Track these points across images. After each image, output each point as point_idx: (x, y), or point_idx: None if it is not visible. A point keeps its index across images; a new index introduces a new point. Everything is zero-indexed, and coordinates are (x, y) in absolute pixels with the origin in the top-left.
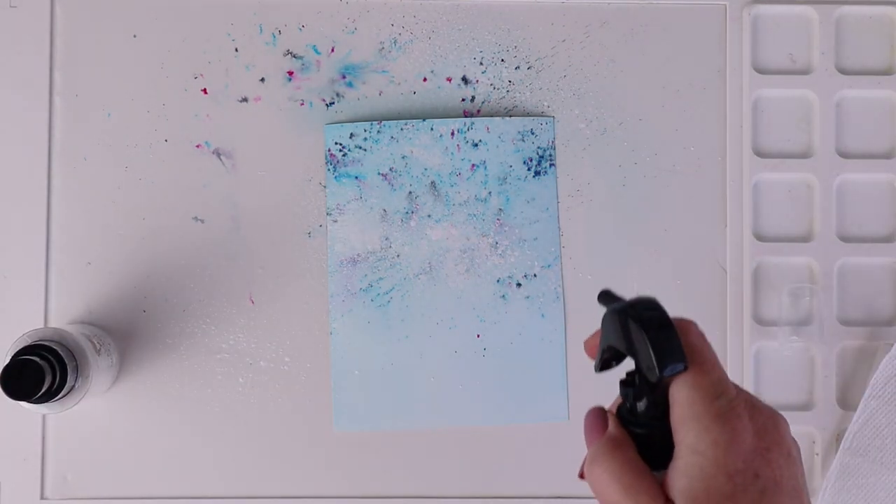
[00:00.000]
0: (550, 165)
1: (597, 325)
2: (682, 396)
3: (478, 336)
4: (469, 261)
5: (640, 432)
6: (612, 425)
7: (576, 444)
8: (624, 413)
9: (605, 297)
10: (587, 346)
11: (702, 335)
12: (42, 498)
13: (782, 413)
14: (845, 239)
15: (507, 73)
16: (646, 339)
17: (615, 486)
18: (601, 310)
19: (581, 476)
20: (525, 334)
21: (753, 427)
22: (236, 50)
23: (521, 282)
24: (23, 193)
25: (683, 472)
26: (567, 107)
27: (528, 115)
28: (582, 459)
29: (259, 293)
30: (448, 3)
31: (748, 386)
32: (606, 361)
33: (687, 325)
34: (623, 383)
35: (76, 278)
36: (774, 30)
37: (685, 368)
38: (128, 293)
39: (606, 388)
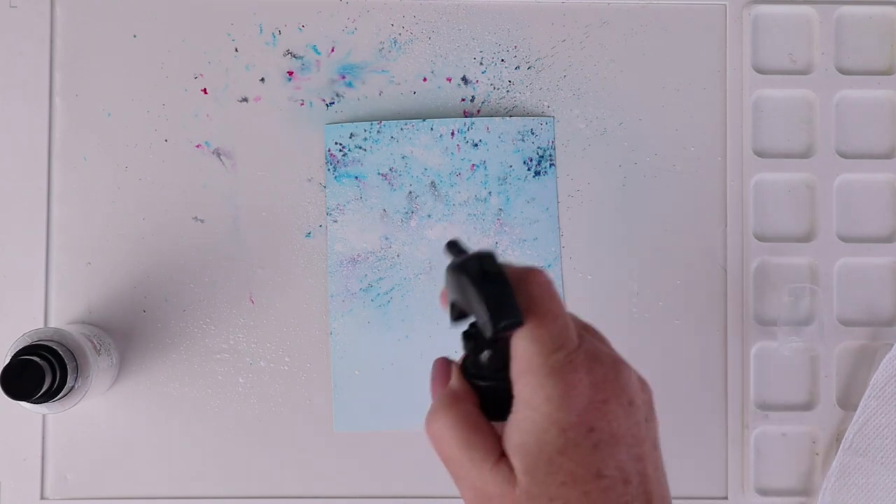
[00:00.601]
0: (550, 165)
1: (596, 324)
2: (520, 350)
3: None
4: None
5: (482, 385)
6: (454, 378)
7: None
8: (468, 365)
9: (451, 248)
10: (441, 296)
11: (546, 284)
12: (42, 498)
13: (772, 410)
14: (845, 239)
15: (507, 73)
16: (478, 294)
17: (452, 440)
18: (601, 310)
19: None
20: None
21: (591, 380)
22: (236, 50)
23: None
24: (23, 193)
25: (517, 426)
26: (567, 107)
27: (528, 115)
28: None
29: (259, 293)
30: (448, 3)
31: (748, 387)
32: (458, 315)
33: (530, 274)
34: (465, 335)
35: (76, 278)
36: (774, 30)
37: (521, 324)
38: (128, 293)
39: None
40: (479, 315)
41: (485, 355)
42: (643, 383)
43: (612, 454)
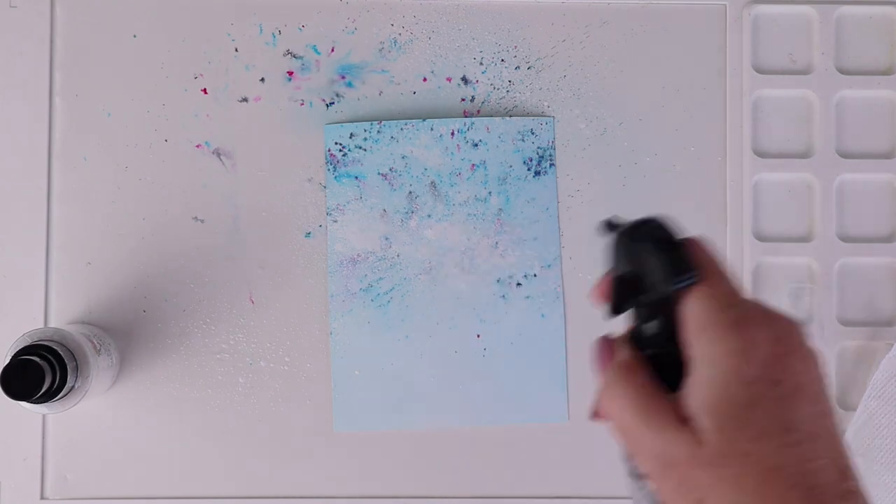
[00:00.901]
0: (550, 165)
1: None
2: (696, 310)
3: (478, 336)
4: (469, 261)
5: (650, 353)
6: (622, 350)
7: (576, 444)
8: (633, 338)
9: (609, 224)
10: (594, 292)
11: (711, 247)
12: (42, 498)
13: None
14: (845, 239)
15: (507, 73)
16: (657, 254)
17: (629, 410)
18: (600, 309)
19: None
20: (525, 334)
21: (770, 332)
22: (236, 50)
23: (521, 282)
24: (23, 193)
25: (700, 384)
26: (567, 107)
27: (528, 115)
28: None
29: (259, 293)
30: (448, 3)
31: None
32: (618, 301)
33: (694, 240)
34: (633, 306)
35: (76, 278)
36: (774, 30)
37: (696, 280)
38: (128, 293)
39: None
40: (655, 274)
41: (652, 325)
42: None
43: (798, 407)
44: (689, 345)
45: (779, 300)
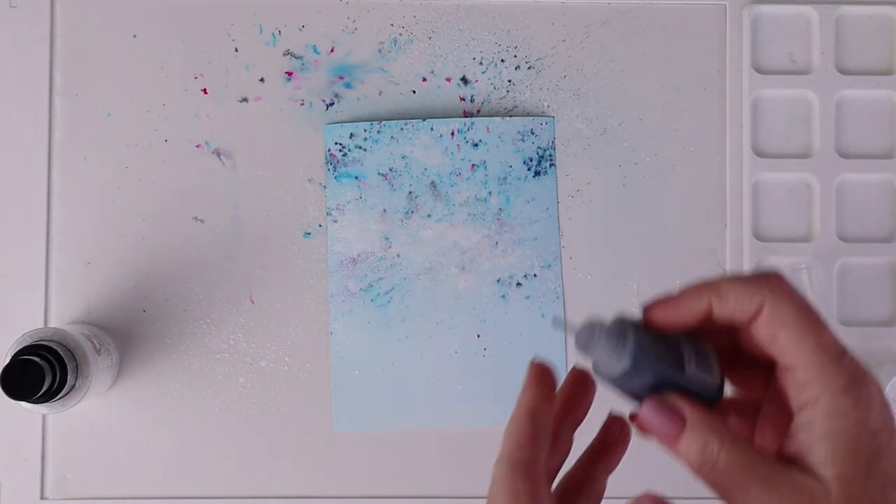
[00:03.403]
0: (550, 165)
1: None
2: (809, 359)
3: (478, 336)
4: (469, 261)
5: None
6: (703, 414)
7: (575, 444)
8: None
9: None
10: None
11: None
12: (42, 498)
13: None
14: (845, 239)
15: (507, 73)
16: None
17: (743, 474)
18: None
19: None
20: (525, 334)
21: (877, 384)
22: (236, 50)
23: (521, 282)
24: (23, 193)
25: (824, 437)
26: (567, 107)
27: (528, 115)
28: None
29: (259, 293)
30: (448, 3)
31: None
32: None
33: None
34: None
35: (76, 278)
36: (774, 30)
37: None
38: (128, 293)
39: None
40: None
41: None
42: None
43: None
44: (798, 395)
45: None
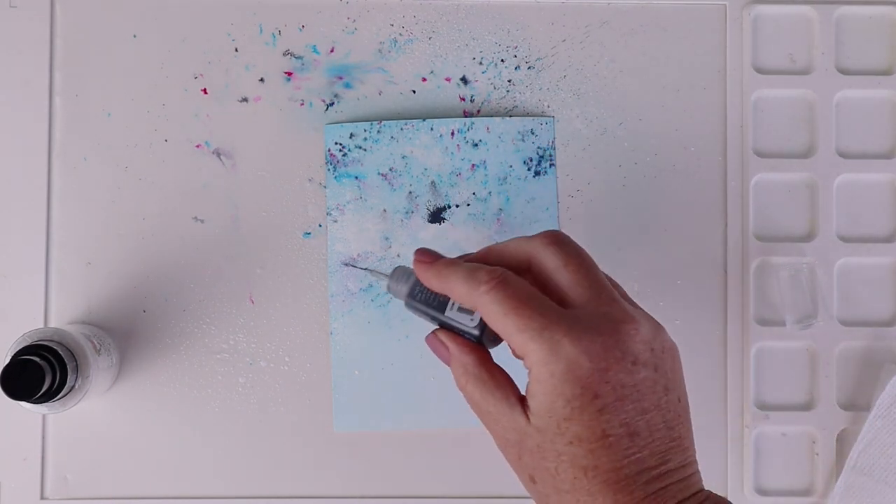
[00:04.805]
0: (550, 165)
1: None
2: (514, 341)
3: None
4: None
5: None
6: (458, 349)
7: None
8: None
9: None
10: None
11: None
12: (42, 498)
13: (772, 410)
14: (845, 239)
15: (507, 73)
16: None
17: (474, 387)
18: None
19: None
20: None
21: (591, 350)
22: (236, 50)
23: None
24: (23, 193)
25: (532, 395)
26: (567, 107)
27: (528, 115)
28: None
29: (259, 293)
30: (448, 3)
31: (748, 387)
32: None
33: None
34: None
35: (76, 278)
36: (774, 30)
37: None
38: (128, 293)
39: None
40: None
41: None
42: (655, 331)
43: (616, 414)
44: (522, 356)
45: (777, 278)
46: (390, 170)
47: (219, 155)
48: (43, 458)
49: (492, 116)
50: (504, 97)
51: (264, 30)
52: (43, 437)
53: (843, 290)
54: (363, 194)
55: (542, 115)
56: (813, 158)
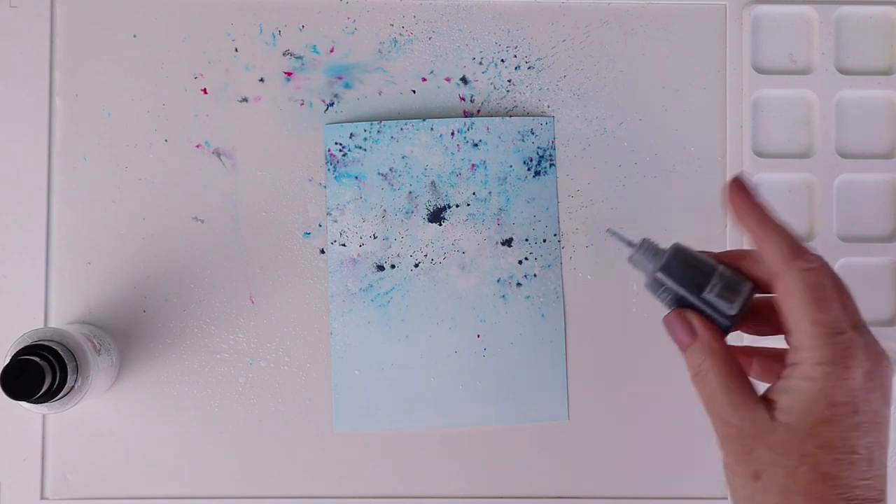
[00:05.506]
0: (550, 165)
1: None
2: (803, 329)
3: (478, 336)
4: (469, 261)
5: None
6: (709, 335)
7: (576, 444)
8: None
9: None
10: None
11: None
12: (42, 498)
13: None
14: (845, 239)
15: (507, 73)
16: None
17: (715, 382)
18: (601, 310)
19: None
20: (525, 334)
21: (865, 368)
22: (236, 50)
23: (521, 282)
24: (23, 193)
25: (790, 391)
26: (567, 107)
27: (528, 115)
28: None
29: (259, 293)
30: (448, 3)
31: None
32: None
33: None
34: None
35: (76, 278)
36: (774, 30)
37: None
38: (128, 293)
39: (606, 389)
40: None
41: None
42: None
43: (867, 435)
44: (793, 351)
45: None
46: (390, 170)
47: (219, 155)
48: (43, 458)
49: (492, 116)
50: (504, 97)
51: (264, 30)
52: (43, 437)
53: None
54: (363, 194)
55: (542, 115)
56: (813, 158)
